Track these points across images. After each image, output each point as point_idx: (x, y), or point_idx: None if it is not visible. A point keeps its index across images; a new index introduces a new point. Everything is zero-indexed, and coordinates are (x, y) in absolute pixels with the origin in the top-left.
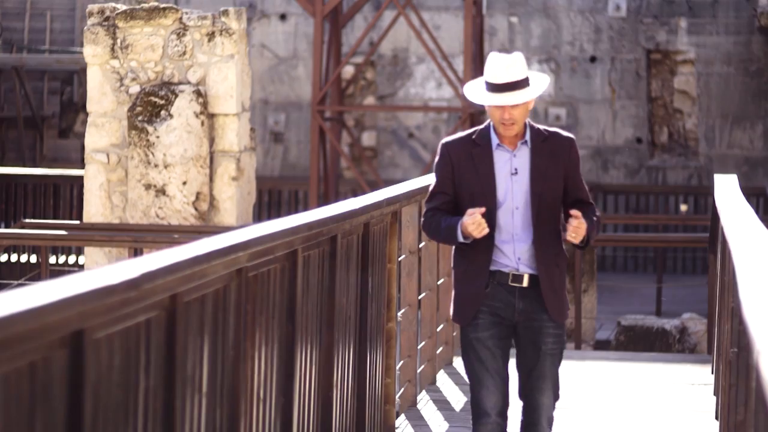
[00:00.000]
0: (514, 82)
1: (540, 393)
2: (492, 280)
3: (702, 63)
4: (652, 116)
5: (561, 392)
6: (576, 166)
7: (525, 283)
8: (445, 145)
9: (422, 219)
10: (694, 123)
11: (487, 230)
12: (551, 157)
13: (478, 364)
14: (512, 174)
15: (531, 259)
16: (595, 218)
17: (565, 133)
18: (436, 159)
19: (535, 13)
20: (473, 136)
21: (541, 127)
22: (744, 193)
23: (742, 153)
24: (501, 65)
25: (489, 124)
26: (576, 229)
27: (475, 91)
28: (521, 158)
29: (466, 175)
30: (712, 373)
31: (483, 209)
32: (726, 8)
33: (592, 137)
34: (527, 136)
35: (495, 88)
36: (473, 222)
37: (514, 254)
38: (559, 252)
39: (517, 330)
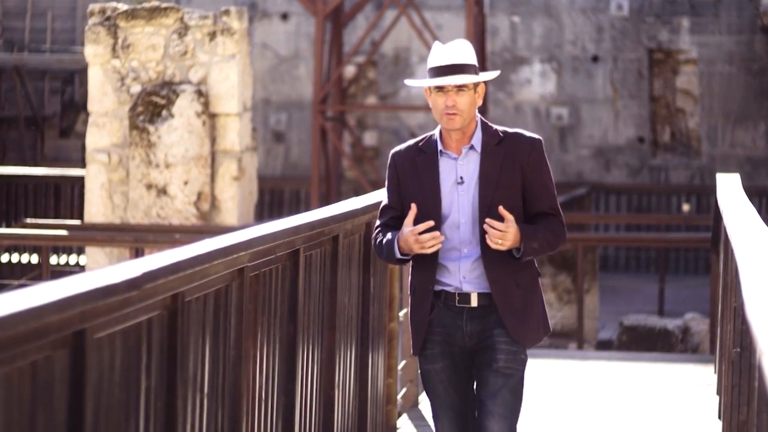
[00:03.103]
0: (458, 65)
1: (489, 417)
2: (437, 302)
3: (704, 62)
4: (654, 116)
5: (562, 394)
6: (538, 172)
7: (474, 303)
8: (393, 155)
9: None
10: (696, 122)
11: (434, 243)
12: (505, 161)
13: (434, 398)
14: (457, 183)
15: (479, 278)
16: (541, 233)
17: (528, 134)
18: (387, 170)
19: (537, 13)
20: (420, 143)
21: (500, 128)
22: (746, 193)
23: (744, 152)
24: (444, 49)
25: (438, 129)
26: (500, 234)
27: (417, 80)
28: (468, 165)
29: (410, 187)
30: (715, 373)
31: (431, 223)
32: (728, 7)
33: (594, 137)
34: (475, 140)
35: (437, 71)
36: (412, 234)
37: (459, 272)
38: (519, 269)
39: (474, 358)
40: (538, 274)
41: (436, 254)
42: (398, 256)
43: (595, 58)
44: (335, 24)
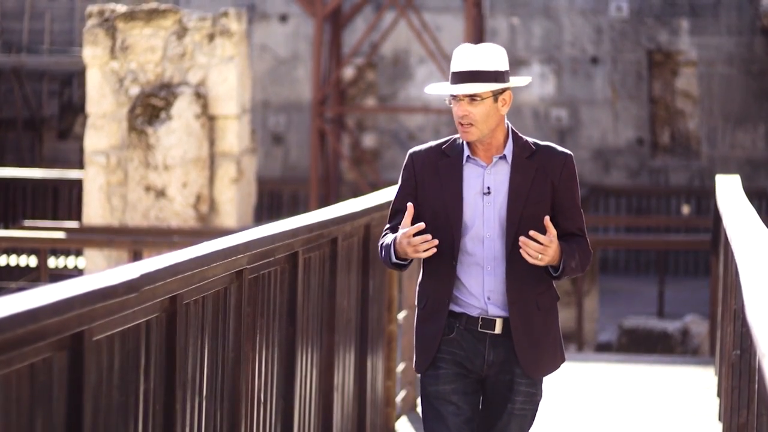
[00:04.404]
0: (475, 72)
1: None
2: (458, 325)
3: (704, 64)
4: (653, 117)
5: (561, 396)
6: (569, 189)
7: (497, 330)
8: (411, 155)
9: None
10: (696, 124)
11: (427, 248)
12: (537, 175)
13: (437, 423)
14: (484, 194)
15: (504, 298)
16: (578, 253)
17: (560, 148)
18: (402, 171)
19: (537, 14)
20: (443, 146)
21: (532, 140)
22: (746, 195)
23: (744, 154)
24: (466, 53)
25: None
26: (542, 249)
27: (436, 85)
28: (497, 175)
29: (429, 192)
30: (715, 375)
31: (422, 225)
32: (728, 9)
33: (593, 138)
34: (507, 150)
35: (454, 77)
36: (404, 236)
37: (483, 293)
38: (542, 291)
39: (485, 384)
40: (557, 298)
41: (453, 266)
42: (393, 260)
43: (594, 60)
44: (334, 25)
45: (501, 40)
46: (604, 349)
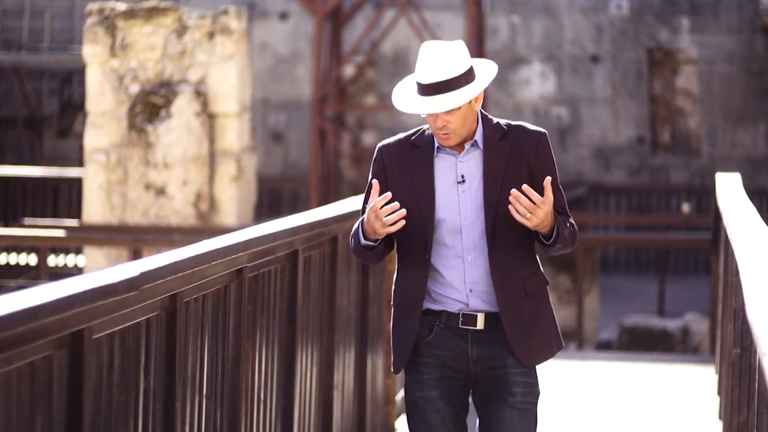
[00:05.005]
0: (443, 82)
1: None
2: (438, 323)
3: (704, 62)
4: (654, 116)
5: (561, 394)
6: (546, 166)
7: (479, 325)
8: (380, 149)
9: None
10: (696, 122)
11: (395, 219)
12: (511, 156)
13: (424, 429)
14: (458, 182)
15: (488, 291)
16: (570, 226)
17: (532, 127)
18: (371, 165)
19: (537, 12)
20: (413, 137)
21: (503, 121)
22: (747, 193)
23: (744, 152)
24: (428, 58)
25: None
26: (532, 207)
27: (404, 95)
28: (470, 162)
29: (400, 185)
30: (715, 373)
31: (389, 195)
32: (728, 7)
33: (593, 137)
34: (478, 135)
35: (421, 89)
36: (372, 211)
37: (465, 285)
38: (528, 276)
39: (476, 384)
40: (546, 283)
41: (426, 261)
42: (362, 241)
43: (594, 58)
44: (334, 24)
45: (501, 38)
46: (604, 347)
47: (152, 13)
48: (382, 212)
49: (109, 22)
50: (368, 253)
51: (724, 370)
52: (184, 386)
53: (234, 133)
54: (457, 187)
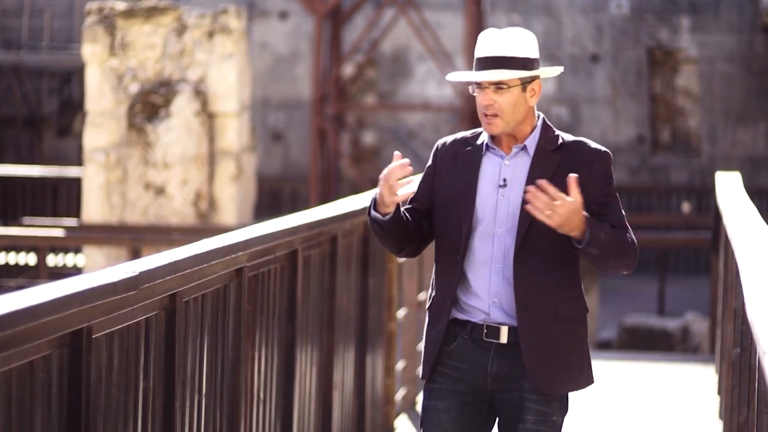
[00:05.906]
0: (502, 57)
1: None
2: (463, 334)
3: (704, 61)
4: (654, 115)
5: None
6: (602, 188)
7: (503, 339)
8: (437, 144)
9: None
10: (696, 122)
11: (400, 190)
12: (560, 169)
13: None
14: (499, 186)
15: (512, 303)
16: (613, 233)
17: (594, 144)
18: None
19: (537, 11)
20: (469, 136)
21: (566, 135)
22: (747, 192)
23: (745, 152)
24: (493, 38)
25: None
26: (549, 204)
27: (462, 73)
28: (515, 167)
29: (446, 181)
30: (716, 373)
31: (399, 156)
32: (728, 6)
33: (593, 136)
34: (530, 140)
35: (478, 63)
36: (385, 177)
37: (489, 295)
38: (565, 299)
39: (495, 403)
40: (586, 310)
41: (458, 263)
42: (373, 213)
43: (594, 57)
44: (334, 23)
45: None
46: (604, 347)
47: (152, 12)
48: (392, 175)
49: (108, 22)
50: (377, 228)
51: (724, 369)
52: (183, 386)
53: (233, 133)
54: (498, 191)
